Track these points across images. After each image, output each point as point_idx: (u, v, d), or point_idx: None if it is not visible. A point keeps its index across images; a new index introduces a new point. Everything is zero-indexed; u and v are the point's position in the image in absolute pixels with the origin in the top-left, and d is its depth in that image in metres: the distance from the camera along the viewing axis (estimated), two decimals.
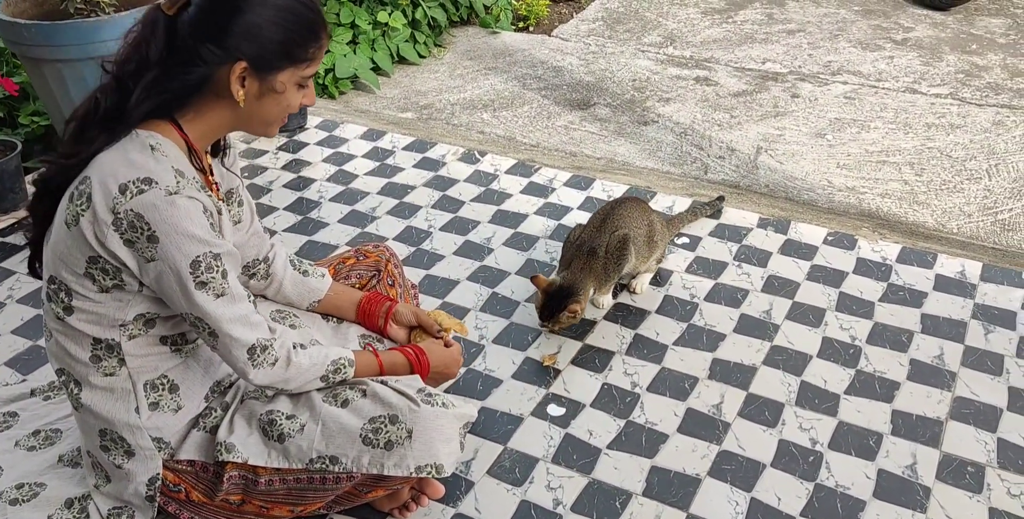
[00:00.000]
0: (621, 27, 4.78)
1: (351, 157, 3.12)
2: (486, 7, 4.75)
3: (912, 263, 2.53)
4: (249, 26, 1.32)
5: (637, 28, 4.76)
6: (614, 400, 2.08)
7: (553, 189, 2.91)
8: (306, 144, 3.21)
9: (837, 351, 2.22)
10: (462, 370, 2.13)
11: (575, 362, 2.20)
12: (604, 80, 4.15)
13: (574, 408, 2.06)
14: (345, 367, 1.59)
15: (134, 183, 1.30)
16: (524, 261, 2.57)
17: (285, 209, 2.82)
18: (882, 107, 3.92)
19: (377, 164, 3.08)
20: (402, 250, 2.61)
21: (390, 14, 4.19)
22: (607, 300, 2.37)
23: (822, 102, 3.98)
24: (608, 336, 2.28)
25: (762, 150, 3.60)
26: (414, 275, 2.50)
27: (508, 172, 3.02)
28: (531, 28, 4.80)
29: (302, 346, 1.53)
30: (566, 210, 2.80)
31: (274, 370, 1.47)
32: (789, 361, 2.19)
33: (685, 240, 2.65)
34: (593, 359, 2.22)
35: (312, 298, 1.86)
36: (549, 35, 4.72)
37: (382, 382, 1.64)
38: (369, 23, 4.15)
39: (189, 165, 1.40)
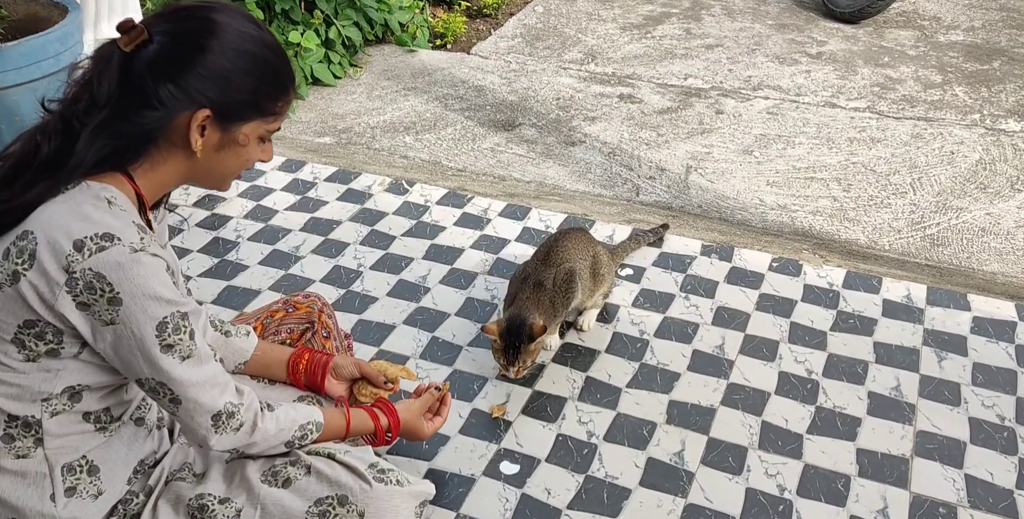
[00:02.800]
0: (540, 44, 4.69)
1: (269, 190, 2.93)
2: (401, 25, 4.60)
3: (858, 288, 2.49)
4: (217, 70, 1.21)
5: (557, 45, 4.68)
6: (570, 453, 1.96)
7: (488, 220, 2.78)
8: None
9: (795, 386, 2.15)
10: None
11: (526, 411, 2.08)
12: (528, 99, 4.04)
13: (529, 464, 1.93)
14: (312, 432, 1.46)
15: (92, 239, 1.16)
16: (463, 300, 2.43)
17: (199, 251, 2.62)
18: (804, 122, 3.93)
19: (298, 198, 2.90)
20: (331, 293, 2.45)
21: (302, 34, 4.00)
22: (554, 341, 2.25)
23: (746, 118, 3.96)
24: (559, 381, 2.16)
25: (692, 169, 3.55)
26: (346, 321, 2.34)
27: (440, 202, 2.88)
28: (449, 46, 4.67)
29: (269, 407, 1.40)
30: (503, 243, 2.68)
31: (237, 436, 1.34)
32: (747, 400, 2.11)
33: (629, 271, 2.55)
34: (544, 407, 2.09)
35: (237, 360, 1.69)
36: (468, 53, 4.60)
37: (329, 456, 1.48)
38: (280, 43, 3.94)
39: (142, 220, 1.27)
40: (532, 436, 2.00)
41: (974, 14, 5.06)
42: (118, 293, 1.16)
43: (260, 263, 2.57)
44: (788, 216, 3.14)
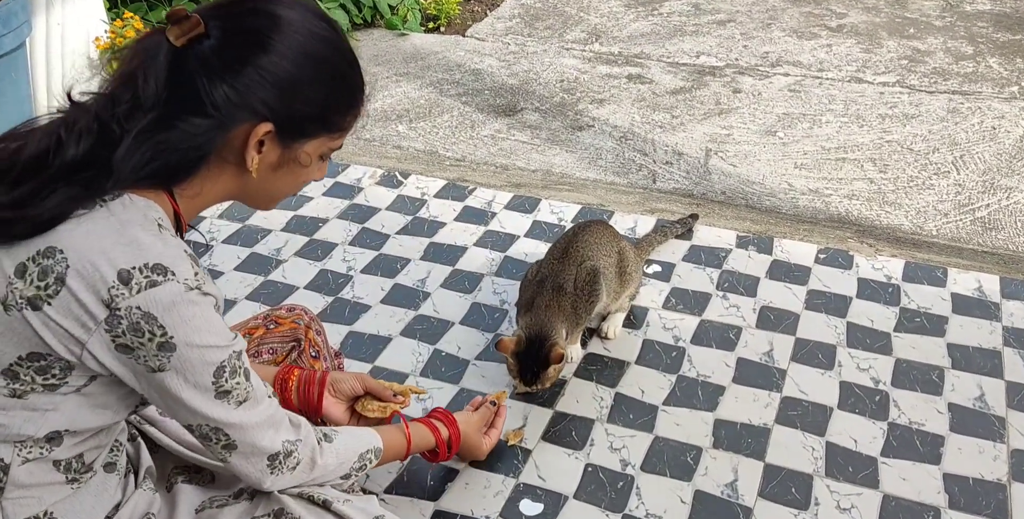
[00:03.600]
0: (540, 24, 4.37)
1: None
2: (391, 7, 4.28)
3: (921, 281, 2.18)
4: (282, 76, 1.04)
5: (558, 24, 4.36)
6: (602, 487, 1.65)
7: (493, 213, 2.46)
8: None
9: (860, 399, 1.84)
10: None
11: (548, 437, 1.77)
12: (529, 82, 3.73)
13: (554, 502, 1.62)
14: (371, 461, 1.35)
15: (142, 271, 0.98)
16: (469, 306, 2.12)
17: None
18: (830, 99, 3.62)
19: None
20: (317, 301, 2.13)
21: None
22: (577, 352, 1.93)
23: (766, 97, 3.65)
24: (583, 399, 1.85)
25: (712, 152, 3.24)
26: (335, 333, 2.02)
27: (438, 195, 2.56)
28: (442, 28, 4.35)
29: (327, 438, 1.28)
30: (511, 239, 2.36)
31: (295, 474, 1.21)
32: (806, 417, 1.80)
33: (656, 267, 2.24)
34: (569, 431, 1.78)
35: None
36: (463, 35, 4.28)
37: (324, 504, 1.26)
38: None
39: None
40: (556, 467, 1.69)
41: None
42: (171, 338, 1.00)
43: (236, 269, 2.25)
44: (822, 201, 2.84)
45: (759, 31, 4.25)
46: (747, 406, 1.83)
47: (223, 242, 2.35)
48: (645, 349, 1.98)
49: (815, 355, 1.96)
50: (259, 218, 2.45)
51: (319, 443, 1.25)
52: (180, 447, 1.39)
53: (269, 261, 2.28)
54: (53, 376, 1.03)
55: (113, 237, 0.99)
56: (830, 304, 2.10)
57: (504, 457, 1.72)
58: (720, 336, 2.01)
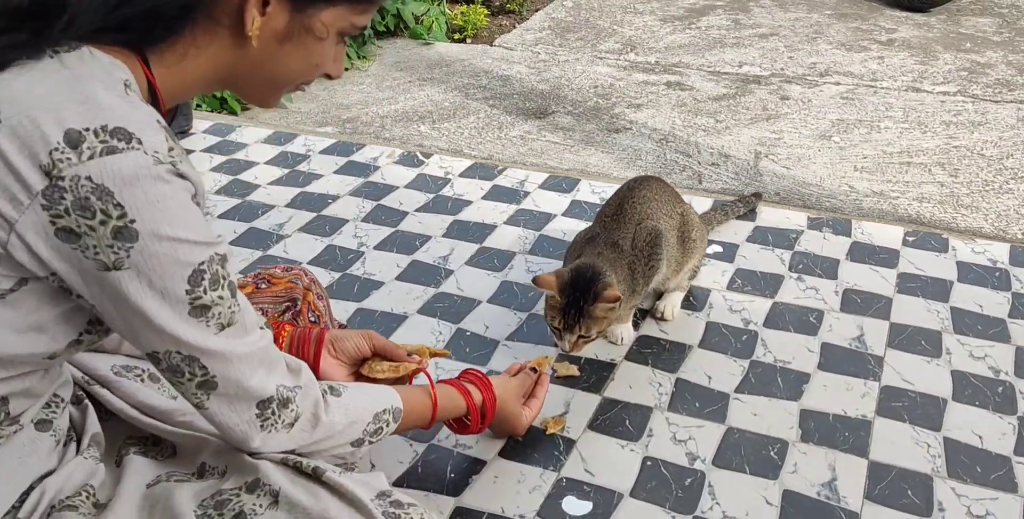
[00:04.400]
0: (572, 35, 4.15)
1: (251, 164, 2.32)
2: (416, 17, 4.06)
3: None
4: None
5: (591, 36, 4.14)
6: (666, 484, 1.31)
7: (526, 193, 2.16)
8: (190, 151, 2.41)
9: (980, 390, 1.50)
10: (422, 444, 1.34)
11: (596, 426, 1.43)
12: (561, 88, 3.48)
13: (606, 500, 1.28)
14: (389, 423, 1.06)
15: (97, 134, 0.73)
16: (498, 284, 1.80)
17: None
18: (887, 106, 3.34)
19: (286, 172, 2.29)
20: (322, 277, 1.82)
21: None
22: (627, 332, 1.61)
23: (817, 104, 3.38)
24: (638, 385, 1.52)
25: (761, 155, 2.95)
26: (340, 311, 1.71)
27: (464, 175, 2.27)
28: (468, 40, 4.13)
29: (332, 391, 0.99)
30: (548, 217, 2.05)
31: (292, 433, 0.93)
32: (915, 409, 1.46)
33: (716, 248, 1.92)
34: (621, 419, 1.44)
35: None
36: (491, 45, 4.06)
37: (314, 473, 0.94)
38: None
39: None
40: (607, 460, 1.35)
41: None
42: (131, 222, 0.74)
43: (232, 243, 1.95)
44: (888, 203, 2.54)
45: (804, 44, 4.02)
46: (839, 395, 1.49)
47: (219, 217, 2.05)
48: (710, 332, 1.65)
49: (916, 341, 1.62)
50: (261, 194, 2.16)
51: (324, 396, 0.97)
52: (138, 413, 1.07)
53: (269, 236, 1.98)
54: None
55: (64, 93, 0.73)
56: (927, 288, 1.77)
57: (542, 447, 1.38)
58: (798, 319, 1.68)
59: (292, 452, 0.96)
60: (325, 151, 2.39)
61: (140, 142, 0.74)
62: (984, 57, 3.83)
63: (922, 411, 1.46)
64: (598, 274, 1.42)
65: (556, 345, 1.53)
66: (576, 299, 1.41)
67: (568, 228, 2.00)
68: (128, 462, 1.02)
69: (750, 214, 2.05)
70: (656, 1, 4.62)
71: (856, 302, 1.73)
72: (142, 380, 1.13)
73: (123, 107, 0.75)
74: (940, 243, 1.93)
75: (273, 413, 0.90)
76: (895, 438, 1.40)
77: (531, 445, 1.39)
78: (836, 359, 1.58)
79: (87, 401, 1.07)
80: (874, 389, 1.51)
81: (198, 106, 2.85)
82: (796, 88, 3.51)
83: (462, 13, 4.17)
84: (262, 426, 0.90)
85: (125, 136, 0.73)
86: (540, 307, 1.71)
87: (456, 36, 4.14)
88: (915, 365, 1.56)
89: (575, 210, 2.10)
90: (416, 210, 2.08)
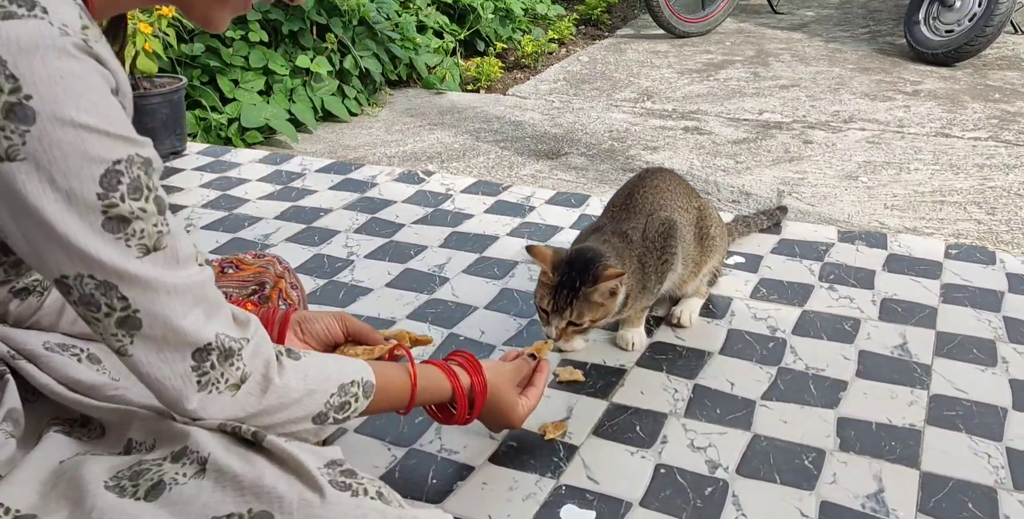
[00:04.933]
0: (587, 86, 4.09)
1: (242, 181, 2.20)
2: (429, 68, 4.02)
3: None
4: None
5: (606, 86, 4.07)
6: (682, 493, 1.11)
7: (532, 207, 2.02)
8: (180, 170, 2.29)
9: None
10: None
11: (601, 433, 1.24)
12: (575, 132, 3.38)
13: (611, 510, 1.09)
14: (359, 398, 0.87)
15: None
16: (497, 291, 1.64)
17: None
18: (916, 150, 3.21)
19: (278, 187, 2.16)
20: (306, 284, 1.66)
21: (312, 59, 3.40)
22: (638, 337, 1.43)
23: (842, 147, 3.25)
24: (650, 390, 1.33)
25: (785, 193, 2.80)
26: None
27: (466, 191, 2.13)
28: (482, 90, 4.07)
29: (290, 354, 0.83)
30: (554, 230, 1.90)
31: (237, 397, 0.76)
32: (971, 418, 1.26)
33: (738, 259, 1.75)
34: (631, 425, 1.25)
35: None
36: (504, 95, 3.99)
37: (253, 438, 0.78)
38: (287, 69, 3.34)
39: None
40: (613, 466, 1.16)
41: None
42: (26, 98, 0.60)
43: (211, 251, 1.80)
44: (923, 239, 2.37)
45: (826, 94, 3.93)
46: (882, 403, 1.30)
47: (202, 228, 1.92)
48: (732, 339, 1.47)
49: (967, 350, 1.43)
50: (250, 208, 2.03)
51: (278, 357, 0.80)
52: (64, 389, 0.91)
53: (253, 245, 1.83)
54: None
55: None
56: (975, 298, 1.59)
57: (539, 452, 1.19)
58: (832, 328, 1.50)
59: (239, 424, 0.79)
60: (321, 170, 2.26)
61: (45, 11, 0.61)
62: (1014, 107, 3.72)
63: (979, 420, 1.26)
64: (600, 255, 1.25)
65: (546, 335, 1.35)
66: (571, 279, 1.25)
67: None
68: (46, 439, 0.85)
69: (774, 228, 1.89)
70: (673, 56, 4.58)
71: (896, 311, 1.55)
72: (79, 360, 0.97)
73: None
74: (986, 256, 1.76)
75: (213, 367, 0.74)
76: (949, 448, 1.20)
77: (526, 450, 1.20)
78: (877, 367, 1.39)
79: (8, 376, 0.91)
80: (922, 398, 1.31)
81: (192, 135, 2.76)
82: (819, 133, 3.39)
83: (476, 65, 4.13)
84: (200, 383, 0.74)
85: (27, 3, 0.61)
86: None
87: (469, 87, 4.09)
88: (968, 373, 1.37)
89: (586, 223, 1.94)
90: (413, 223, 1.94)
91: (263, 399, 0.78)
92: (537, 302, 1.31)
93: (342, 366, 0.89)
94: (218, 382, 0.74)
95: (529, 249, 1.29)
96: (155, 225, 0.68)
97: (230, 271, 1.22)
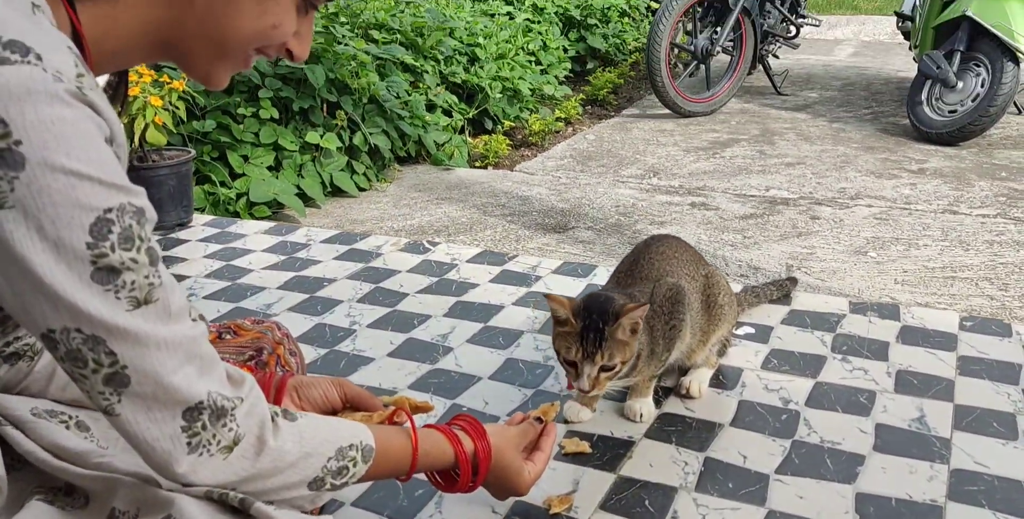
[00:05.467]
0: (594, 163, 4.13)
1: (247, 251, 2.19)
2: (438, 144, 4.07)
3: None
4: None
5: (612, 163, 4.11)
6: None
7: (538, 277, 2.00)
8: (185, 241, 2.29)
9: None
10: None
11: (608, 507, 1.19)
12: (582, 207, 3.39)
13: None
14: (357, 462, 0.84)
15: None
16: (502, 361, 1.60)
17: None
18: (924, 226, 3.20)
19: (282, 258, 2.14)
20: (307, 354, 1.63)
21: (322, 136, 3.45)
22: (646, 407, 1.39)
23: (849, 223, 3.25)
24: (659, 463, 1.28)
25: (793, 268, 2.78)
26: None
27: (472, 260, 2.11)
28: (490, 167, 4.11)
29: (286, 415, 0.79)
30: None
31: (230, 460, 0.72)
32: (994, 493, 1.20)
33: (748, 329, 1.72)
34: (639, 500, 1.20)
35: None
36: (511, 171, 4.03)
37: (234, 509, 0.76)
38: (296, 145, 3.38)
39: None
40: None
41: None
42: (16, 143, 0.59)
43: (212, 320, 1.77)
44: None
45: (832, 172, 3.95)
46: (902, 478, 1.24)
47: (204, 298, 1.90)
48: (743, 411, 1.43)
49: (987, 423, 1.38)
50: (253, 278, 2.01)
51: (273, 418, 0.77)
52: (49, 456, 0.88)
53: (254, 314, 1.81)
54: None
55: None
56: (993, 371, 1.55)
57: None
58: (846, 400, 1.46)
59: (231, 490, 0.75)
60: (326, 240, 2.26)
61: (39, 58, 0.60)
62: (1022, 184, 3.72)
63: (1003, 496, 1.20)
64: (612, 299, 1.23)
65: (570, 388, 1.30)
66: (594, 321, 1.22)
67: None
68: (28, 507, 0.82)
69: (784, 299, 1.86)
70: (679, 135, 4.63)
71: (912, 383, 1.51)
72: (67, 427, 0.94)
73: (23, 23, 0.62)
74: (1002, 328, 1.72)
75: (204, 428, 0.70)
76: None
77: None
78: (895, 440, 1.34)
79: None
80: (942, 472, 1.26)
81: (200, 209, 2.77)
82: (826, 209, 3.39)
83: (484, 142, 4.18)
84: (190, 445, 0.70)
85: (21, 49, 0.60)
86: (547, 384, 1.50)
87: (477, 163, 4.13)
88: (989, 448, 1.32)
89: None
90: (417, 292, 1.92)
91: (256, 462, 0.74)
92: (563, 356, 1.27)
93: (340, 429, 0.85)
94: (209, 444, 0.71)
95: (548, 297, 1.26)
96: (146, 277, 0.66)
97: (227, 337, 1.19)
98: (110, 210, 0.63)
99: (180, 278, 2.03)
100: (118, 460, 0.85)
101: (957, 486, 1.23)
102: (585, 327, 1.23)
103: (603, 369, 1.24)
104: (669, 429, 1.38)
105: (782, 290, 1.84)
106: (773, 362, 1.60)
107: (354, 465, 0.83)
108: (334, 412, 1.05)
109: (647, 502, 1.20)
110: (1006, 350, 1.63)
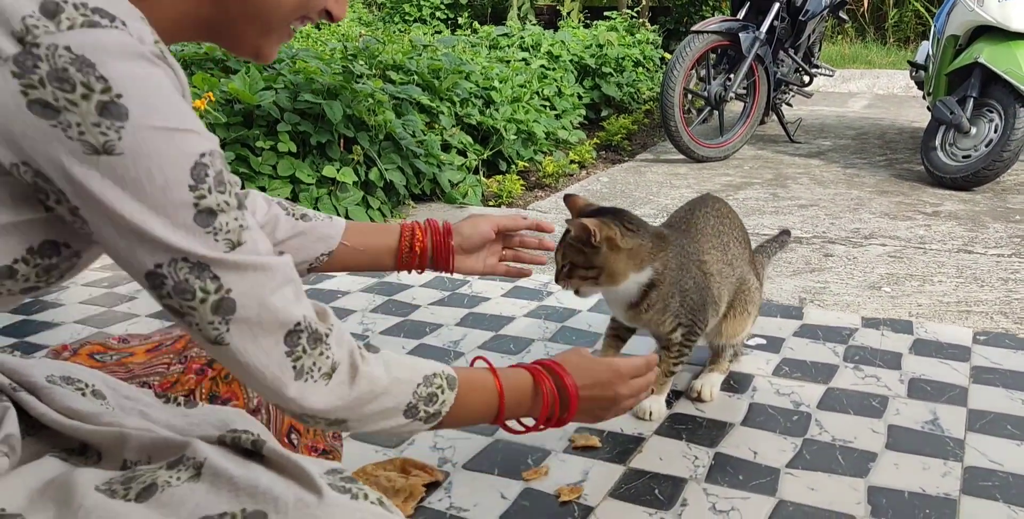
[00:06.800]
0: (607, 203, 4.14)
1: None
2: (452, 183, 4.12)
3: None
4: None
5: (625, 203, 4.13)
6: None
7: (550, 292, 2.00)
8: None
9: None
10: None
11: (617, 495, 1.18)
12: None
13: None
14: (445, 390, 0.85)
15: (77, 7, 0.63)
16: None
17: (148, 316, 1.86)
18: (939, 264, 3.20)
19: None
20: None
21: (338, 170, 3.50)
22: (656, 406, 1.39)
23: (863, 261, 3.25)
24: (669, 457, 1.28)
25: (806, 301, 2.78)
26: None
27: (484, 277, 2.12)
28: (503, 206, 4.15)
29: (368, 348, 0.82)
30: (571, 313, 1.88)
31: (331, 387, 0.75)
32: (1009, 489, 1.19)
33: (760, 340, 1.72)
34: (649, 489, 1.19)
35: (318, 251, 1.09)
36: (525, 208, 4.07)
37: (252, 447, 0.76)
38: (313, 179, 3.44)
39: None
40: None
41: None
42: (118, 96, 0.63)
43: None
44: None
45: (846, 213, 3.96)
46: (914, 474, 1.23)
47: None
48: (754, 412, 1.42)
49: (1002, 426, 1.37)
50: None
51: (358, 347, 0.79)
52: (61, 417, 0.90)
53: None
54: None
55: None
56: (1007, 379, 1.54)
57: (553, 513, 1.13)
58: (860, 404, 1.45)
59: (340, 424, 0.77)
60: None
61: (124, 24, 0.64)
62: None
63: (1018, 491, 1.19)
64: (620, 212, 1.29)
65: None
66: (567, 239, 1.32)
67: (595, 320, 1.82)
68: (40, 461, 0.83)
69: (796, 313, 1.85)
70: (692, 178, 4.67)
71: (926, 390, 1.50)
72: (83, 394, 0.96)
73: None
74: (1016, 342, 1.71)
75: (305, 352, 0.73)
76: (987, 517, 1.13)
77: (539, 511, 1.14)
78: (907, 440, 1.33)
79: (9, 406, 0.89)
80: (956, 469, 1.24)
81: None
82: (840, 247, 3.40)
83: (498, 182, 4.23)
84: (295, 369, 0.73)
85: (108, 16, 0.64)
86: None
87: (491, 203, 4.17)
88: (1002, 447, 1.30)
89: (603, 306, 1.92)
90: (430, 304, 1.93)
91: (353, 388, 0.76)
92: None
93: (421, 361, 0.87)
94: (312, 370, 0.73)
95: (565, 198, 1.37)
96: (236, 219, 0.69)
97: None
98: (204, 155, 0.66)
99: None
100: (128, 421, 0.87)
101: (971, 481, 1.22)
102: (566, 233, 1.32)
103: (563, 267, 1.30)
104: (679, 427, 1.37)
105: (781, 244, 1.86)
106: (785, 369, 1.59)
107: (442, 392, 0.84)
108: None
109: (656, 491, 1.19)
110: (1020, 361, 1.62)
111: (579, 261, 1.29)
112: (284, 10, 0.79)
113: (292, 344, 0.71)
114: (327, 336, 0.74)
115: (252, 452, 0.77)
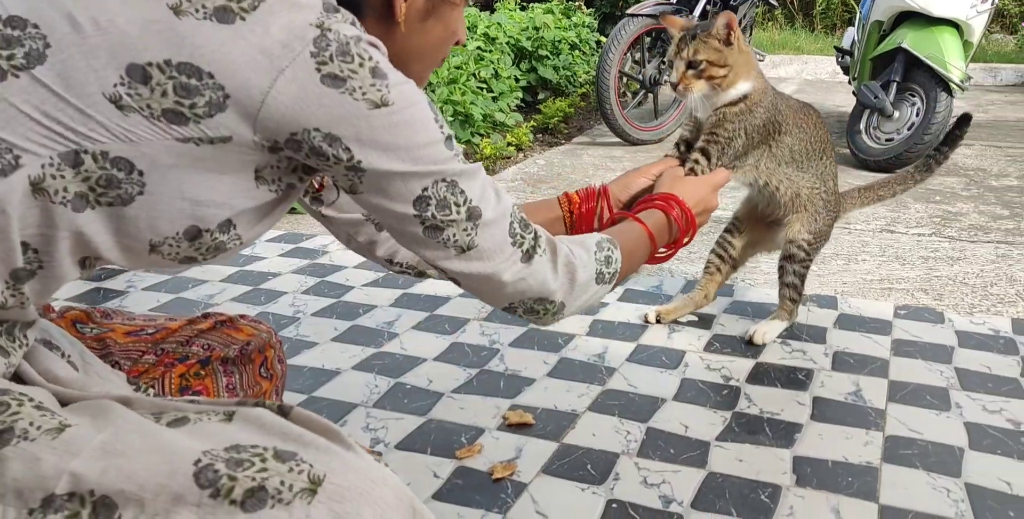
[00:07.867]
0: (544, 185, 4.17)
1: None
2: None
3: None
4: None
5: (562, 186, 4.15)
6: None
7: None
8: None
9: (1000, 441, 1.28)
10: None
11: (550, 471, 1.18)
12: None
13: None
14: (612, 249, 0.96)
15: (344, 15, 0.79)
16: (447, 345, 1.60)
17: (69, 299, 1.80)
18: (863, 244, 3.28)
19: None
20: None
21: None
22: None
23: None
24: (602, 432, 1.29)
25: (737, 279, 2.82)
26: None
27: None
28: None
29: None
30: None
31: (559, 265, 0.86)
32: (928, 457, 1.23)
33: (692, 318, 1.74)
34: (582, 464, 1.20)
35: None
36: None
37: (280, 410, 0.78)
38: None
39: None
40: (563, 502, 1.10)
41: (1021, 166, 4.64)
42: (377, 63, 0.77)
43: (152, 309, 1.75)
44: None
45: None
46: (838, 443, 1.27)
47: (142, 289, 1.87)
48: (685, 387, 1.44)
49: (921, 396, 1.42)
50: (194, 270, 1.99)
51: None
52: (45, 382, 0.88)
53: (196, 304, 1.79)
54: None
55: None
56: (926, 351, 1.59)
57: (486, 490, 1.13)
58: (786, 377, 1.48)
59: (555, 309, 0.88)
60: (272, 240, 2.24)
61: (376, 47, 0.78)
62: (955, 208, 3.83)
63: (936, 459, 1.23)
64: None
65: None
66: (693, 29, 1.42)
67: None
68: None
69: (727, 289, 1.88)
70: (628, 161, 4.70)
71: (849, 362, 1.54)
72: (61, 356, 0.93)
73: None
74: (935, 316, 1.77)
75: (521, 236, 0.83)
76: (907, 484, 1.17)
77: (473, 488, 1.14)
78: (831, 411, 1.37)
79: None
80: (877, 438, 1.28)
81: None
82: None
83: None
84: (522, 252, 0.83)
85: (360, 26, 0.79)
86: (492, 364, 1.50)
87: None
88: (922, 417, 1.35)
89: None
90: (363, 285, 1.91)
91: (557, 266, 0.86)
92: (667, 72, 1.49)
93: (578, 236, 0.96)
94: (534, 247, 0.83)
95: (662, 17, 1.49)
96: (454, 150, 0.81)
97: (223, 327, 1.17)
98: (437, 115, 0.79)
99: (115, 272, 2.00)
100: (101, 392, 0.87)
101: (892, 450, 1.25)
102: (685, 35, 1.43)
103: (689, 64, 1.41)
104: (612, 403, 1.39)
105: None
106: (715, 345, 1.62)
107: (611, 252, 0.94)
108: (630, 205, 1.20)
109: (589, 466, 1.20)
110: (938, 334, 1.67)
111: (715, 58, 1.41)
112: (436, 52, 0.92)
113: (512, 234, 0.82)
114: (531, 226, 0.84)
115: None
